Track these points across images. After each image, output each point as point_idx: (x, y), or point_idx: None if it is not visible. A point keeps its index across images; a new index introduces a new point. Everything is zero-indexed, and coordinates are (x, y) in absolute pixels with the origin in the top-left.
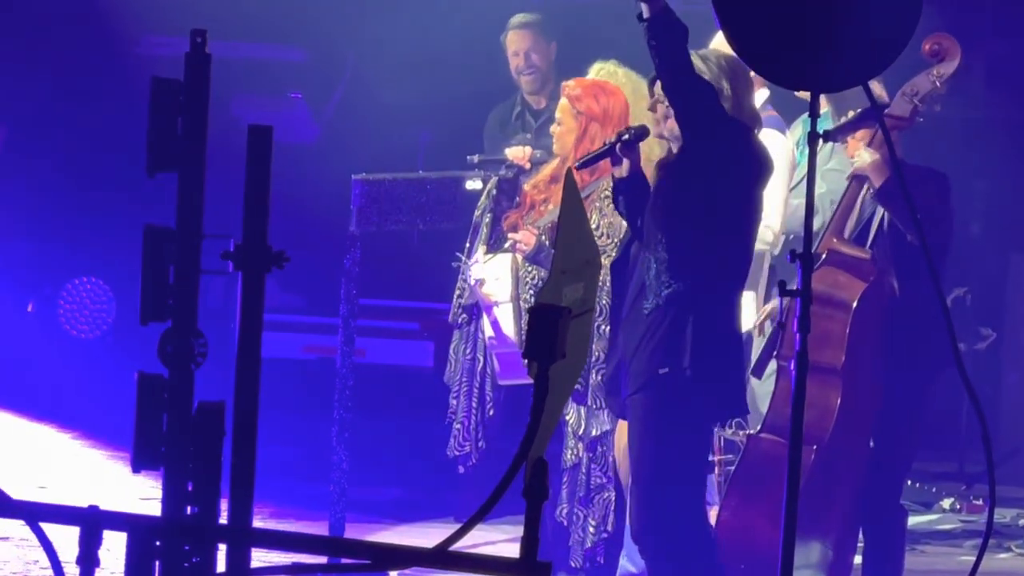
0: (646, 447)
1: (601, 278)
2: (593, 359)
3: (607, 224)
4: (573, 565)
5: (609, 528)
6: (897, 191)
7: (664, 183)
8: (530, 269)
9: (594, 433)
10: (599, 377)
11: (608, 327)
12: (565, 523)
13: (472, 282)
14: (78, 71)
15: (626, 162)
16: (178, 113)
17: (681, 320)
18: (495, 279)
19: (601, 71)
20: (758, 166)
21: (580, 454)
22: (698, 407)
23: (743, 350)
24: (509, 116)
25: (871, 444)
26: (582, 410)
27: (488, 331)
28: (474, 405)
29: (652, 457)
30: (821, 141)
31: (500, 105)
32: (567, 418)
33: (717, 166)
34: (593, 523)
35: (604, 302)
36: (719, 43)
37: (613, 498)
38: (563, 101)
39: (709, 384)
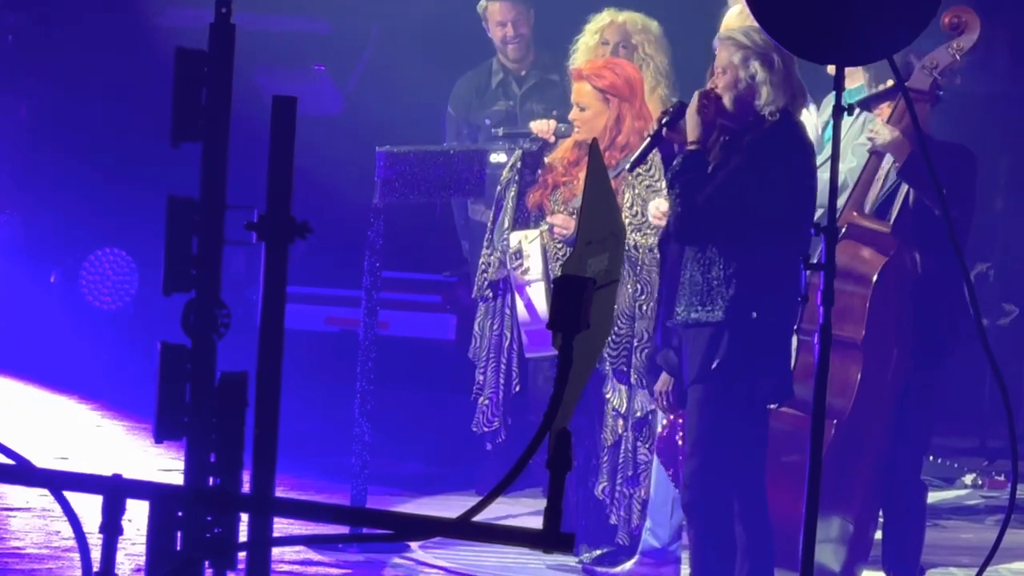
0: (704, 431)
1: (648, 259)
2: (637, 340)
3: (640, 200)
4: (620, 543)
5: None
6: (920, 166)
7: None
8: (559, 245)
9: (639, 413)
10: (643, 357)
11: (653, 305)
12: (608, 500)
13: (508, 259)
14: (101, 42)
15: (676, 145)
16: (202, 84)
17: (741, 322)
18: (526, 258)
19: (615, 20)
20: (807, 159)
21: (620, 432)
22: (753, 394)
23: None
24: (487, 83)
25: (891, 418)
26: (623, 389)
27: (522, 311)
28: (501, 381)
29: (709, 440)
30: (849, 113)
31: (469, 73)
32: (607, 396)
33: (770, 180)
34: (639, 502)
35: (649, 279)
36: (732, 19)
37: None
38: (582, 85)
39: (764, 375)
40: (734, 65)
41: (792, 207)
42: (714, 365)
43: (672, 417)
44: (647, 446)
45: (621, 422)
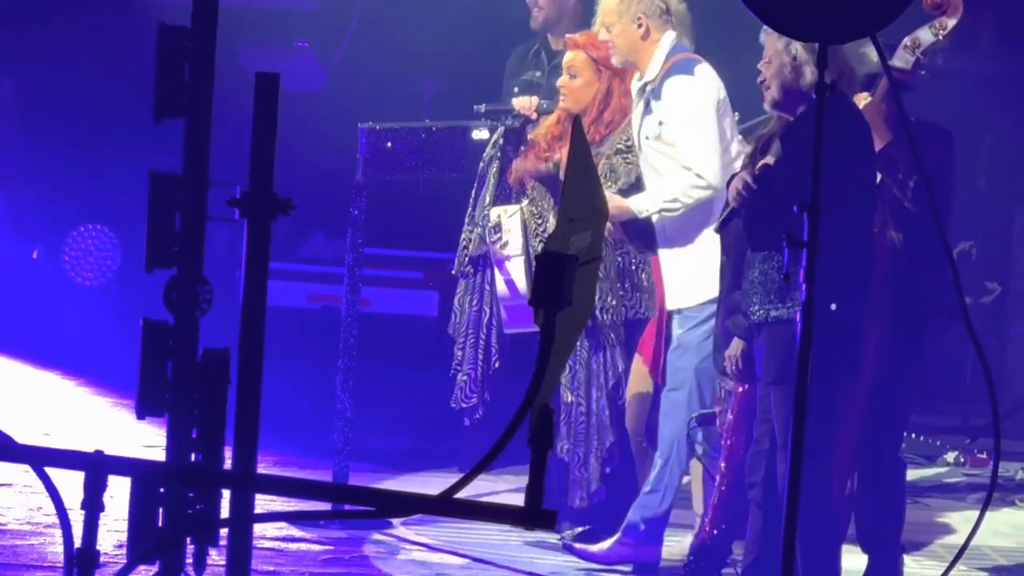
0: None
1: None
2: (601, 302)
3: (609, 170)
4: (570, 505)
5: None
6: (895, 156)
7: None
8: (539, 221)
9: (611, 375)
10: (609, 317)
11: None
12: (566, 460)
13: (487, 233)
14: (84, 18)
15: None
16: (185, 60)
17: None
18: (507, 232)
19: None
20: (863, 134)
21: (576, 393)
22: (829, 387)
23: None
24: (527, 53)
25: (870, 397)
26: (584, 347)
27: (501, 287)
28: (480, 357)
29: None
30: (832, 90)
31: (523, 44)
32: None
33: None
34: (599, 465)
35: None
36: (611, 3)
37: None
38: (577, 55)
39: (839, 366)
40: (778, 51)
41: (855, 187)
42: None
43: (736, 415)
44: (619, 406)
45: (574, 385)
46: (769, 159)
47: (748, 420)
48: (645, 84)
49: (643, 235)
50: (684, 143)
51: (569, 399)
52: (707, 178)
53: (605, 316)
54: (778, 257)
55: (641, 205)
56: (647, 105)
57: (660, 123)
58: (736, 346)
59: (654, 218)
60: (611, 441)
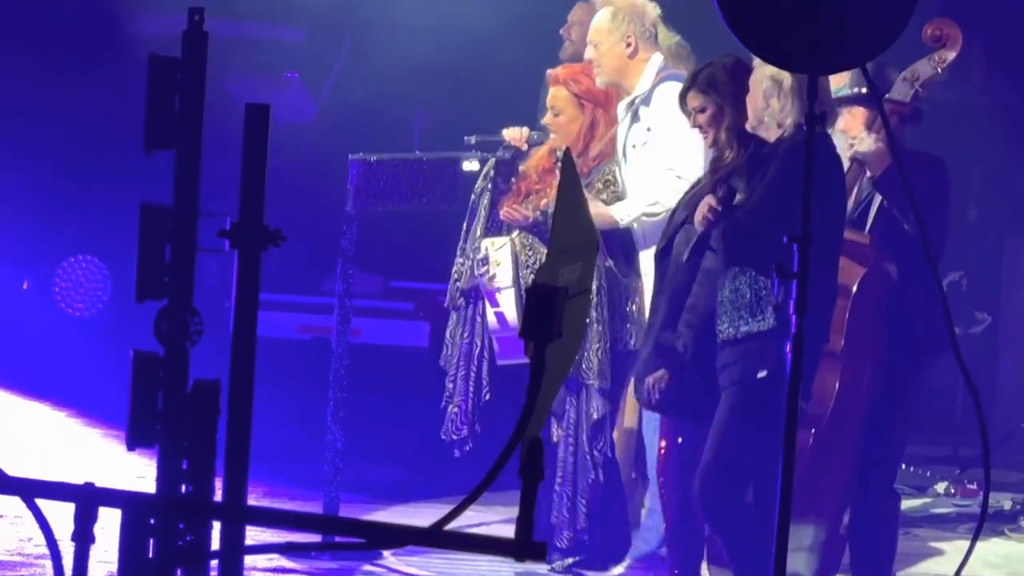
0: (731, 434)
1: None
2: (597, 341)
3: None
4: (558, 545)
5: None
6: (896, 179)
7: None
8: (530, 253)
9: (595, 415)
10: (599, 357)
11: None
12: (554, 498)
13: (478, 267)
14: (75, 49)
15: None
16: (175, 91)
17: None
18: (496, 264)
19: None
20: (831, 164)
21: (561, 433)
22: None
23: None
24: None
25: (864, 429)
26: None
27: (491, 319)
28: (471, 389)
29: (736, 440)
30: (822, 121)
31: None
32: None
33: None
34: (585, 505)
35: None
36: (603, 22)
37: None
38: (557, 90)
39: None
40: (755, 81)
41: (820, 210)
42: (762, 374)
43: (666, 443)
44: (599, 448)
45: (564, 424)
46: (739, 197)
47: (679, 449)
48: (634, 99)
49: (625, 251)
50: (670, 146)
51: (556, 438)
52: (689, 180)
53: (590, 356)
54: (751, 272)
55: (622, 212)
56: (635, 115)
57: (648, 129)
58: (660, 377)
59: (634, 226)
60: (592, 479)
